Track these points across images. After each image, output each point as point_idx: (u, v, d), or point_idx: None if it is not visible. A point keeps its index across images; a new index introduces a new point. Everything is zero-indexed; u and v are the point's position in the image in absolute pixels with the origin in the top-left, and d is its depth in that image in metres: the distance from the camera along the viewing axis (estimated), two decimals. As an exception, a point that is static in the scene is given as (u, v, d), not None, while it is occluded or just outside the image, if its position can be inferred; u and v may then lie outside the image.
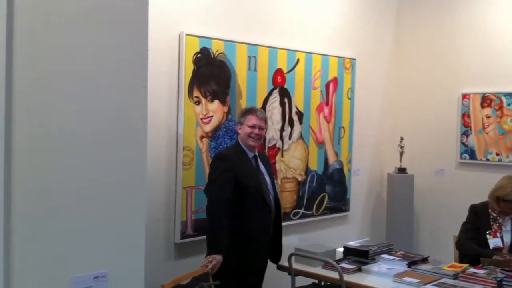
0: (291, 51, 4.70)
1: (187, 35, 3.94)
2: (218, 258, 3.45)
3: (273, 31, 4.61)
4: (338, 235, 5.18)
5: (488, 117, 5.34)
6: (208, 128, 4.11)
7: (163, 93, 3.89)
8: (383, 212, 5.85)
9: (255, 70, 4.42)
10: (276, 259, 3.92)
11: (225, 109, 4.21)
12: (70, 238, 1.57)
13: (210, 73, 4.09)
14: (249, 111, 3.79)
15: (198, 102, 4.03)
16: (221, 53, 4.15)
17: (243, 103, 4.33)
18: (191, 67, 3.97)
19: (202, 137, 4.07)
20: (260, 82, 4.46)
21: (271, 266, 4.01)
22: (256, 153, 3.83)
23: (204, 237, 4.03)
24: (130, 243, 1.65)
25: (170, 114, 3.93)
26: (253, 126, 3.69)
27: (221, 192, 3.55)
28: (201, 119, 4.06)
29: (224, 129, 4.22)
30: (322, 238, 4.94)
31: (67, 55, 1.57)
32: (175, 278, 3.37)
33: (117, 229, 1.64)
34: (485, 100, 5.34)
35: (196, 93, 4.01)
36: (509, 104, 5.20)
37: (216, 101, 4.14)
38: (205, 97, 4.07)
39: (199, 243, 4.07)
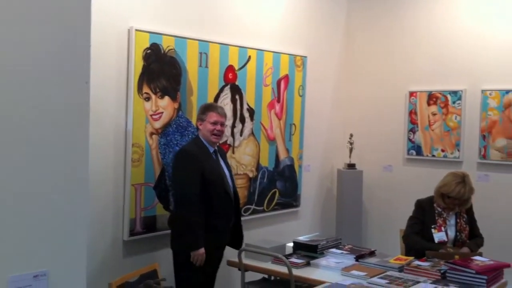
0: (242, 48, 4.71)
1: (136, 30, 3.89)
2: (202, 252, 3.62)
3: (224, 28, 4.61)
4: (289, 230, 5.24)
5: (434, 114, 5.49)
6: (158, 124, 4.08)
7: (112, 89, 3.84)
8: (333, 207, 5.94)
9: (206, 66, 4.41)
10: (237, 245, 4.00)
11: (176, 105, 4.19)
12: (7, 237, 1.54)
13: (160, 69, 4.06)
14: (210, 107, 3.87)
15: (147, 98, 4.00)
16: (171, 49, 4.12)
17: (194, 100, 4.32)
18: (140, 63, 3.93)
19: (151, 134, 4.04)
20: (211, 78, 4.46)
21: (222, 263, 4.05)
22: (216, 147, 3.93)
23: (154, 234, 4.09)
24: (71, 241, 1.63)
25: (119, 110, 3.89)
26: (215, 123, 3.79)
27: (191, 188, 3.65)
28: (151, 115, 4.03)
29: (175, 126, 4.20)
30: (273, 234, 4.99)
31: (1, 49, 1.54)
32: (123, 275, 3.35)
33: (57, 227, 1.61)
34: (431, 98, 5.49)
35: (145, 89, 3.97)
36: (454, 102, 5.36)
37: (167, 98, 4.12)
38: (155, 93, 4.04)
39: (148, 240, 4.06)
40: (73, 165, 1.61)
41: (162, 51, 4.06)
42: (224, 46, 4.53)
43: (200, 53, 4.34)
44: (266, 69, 4.96)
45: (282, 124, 5.21)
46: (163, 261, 3.97)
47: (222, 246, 3.88)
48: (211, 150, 3.86)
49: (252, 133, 4.89)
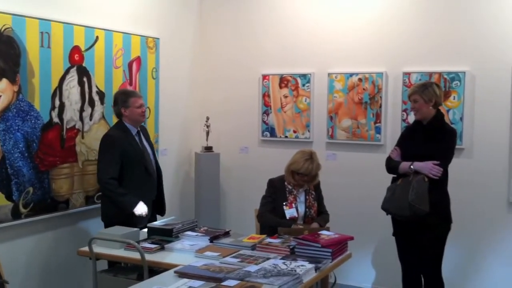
0: (89, 28, 4.50)
1: (-34, 6, 3.57)
2: (141, 205, 4.15)
3: (68, 6, 4.36)
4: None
5: (285, 96, 5.67)
6: (-5, 109, 3.78)
7: None
8: (191, 190, 5.94)
9: (49, 47, 4.15)
10: (161, 212, 4.55)
11: (15, 88, 3.91)
12: None
13: (-4, 49, 3.76)
14: (130, 94, 4.30)
15: (-18, 81, 3.68)
16: (8, 28, 3.82)
17: (36, 82, 4.05)
18: (-28, 43, 3.61)
19: (-12, 119, 3.74)
20: (55, 60, 4.21)
21: (70, 253, 3.87)
22: (138, 128, 4.33)
23: (5, 224, 3.82)
24: None
25: None
26: (140, 106, 4.26)
27: (110, 171, 4.08)
28: (-13, 99, 3.72)
29: (15, 110, 3.92)
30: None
31: None
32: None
33: None
34: (283, 81, 5.66)
35: (-21, 71, 3.66)
36: (303, 85, 5.57)
37: (5, 80, 3.83)
38: (-9, 75, 3.73)
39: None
40: None
41: (-2, 30, 3.76)
42: (68, 25, 4.29)
43: (41, 32, 4.07)
44: (116, 50, 4.79)
45: (136, 107, 5.08)
46: (4, 255, 3.71)
47: (143, 222, 4.17)
48: (134, 131, 4.26)
49: (103, 117, 4.70)
